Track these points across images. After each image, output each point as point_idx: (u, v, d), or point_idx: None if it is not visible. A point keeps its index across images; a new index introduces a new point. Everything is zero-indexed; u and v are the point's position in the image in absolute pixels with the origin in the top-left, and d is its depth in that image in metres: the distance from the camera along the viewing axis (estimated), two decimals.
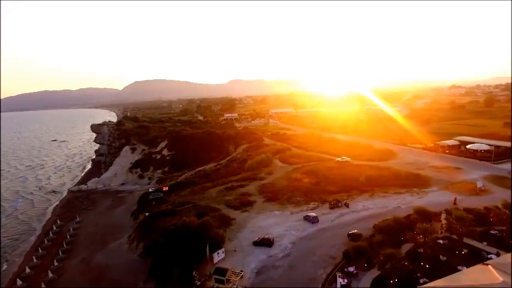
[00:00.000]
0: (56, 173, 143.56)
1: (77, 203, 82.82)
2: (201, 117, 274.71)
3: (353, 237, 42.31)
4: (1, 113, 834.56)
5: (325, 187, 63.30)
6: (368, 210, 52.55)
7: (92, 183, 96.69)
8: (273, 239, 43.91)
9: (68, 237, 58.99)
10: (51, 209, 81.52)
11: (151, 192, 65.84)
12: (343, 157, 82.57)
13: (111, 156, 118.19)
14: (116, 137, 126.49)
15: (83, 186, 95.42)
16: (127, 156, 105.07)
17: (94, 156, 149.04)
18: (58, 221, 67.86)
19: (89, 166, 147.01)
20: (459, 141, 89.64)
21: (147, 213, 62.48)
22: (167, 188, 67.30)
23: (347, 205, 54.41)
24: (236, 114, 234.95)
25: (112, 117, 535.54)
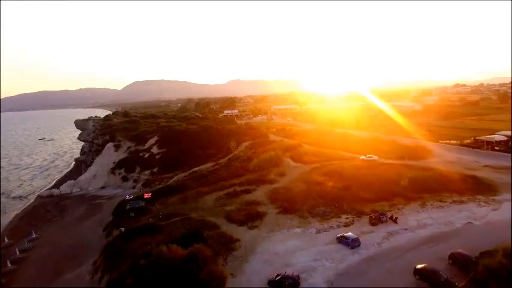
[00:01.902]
0: (42, 173, 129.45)
1: (42, 212, 67.41)
2: (199, 115, 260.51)
3: (425, 276, 27.26)
4: (1, 113, 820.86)
5: (358, 193, 48.15)
6: (426, 227, 37.57)
7: (66, 187, 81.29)
8: (298, 277, 28.87)
9: (9, 264, 43.55)
10: (7, 221, 65.88)
11: (129, 200, 50.67)
12: (369, 155, 67.45)
13: (93, 154, 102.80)
14: (99, 133, 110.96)
15: (55, 191, 79.96)
16: (110, 155, 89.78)
17: (79, 156, 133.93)
18: (6, 240, 52.56)
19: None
20: (507, 136, 74.61)
21: (122, 229, 47.60)
22: (150, 194, 52.12)
23: (395, 220, 39.33)
24: (236, 111, 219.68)
25: None
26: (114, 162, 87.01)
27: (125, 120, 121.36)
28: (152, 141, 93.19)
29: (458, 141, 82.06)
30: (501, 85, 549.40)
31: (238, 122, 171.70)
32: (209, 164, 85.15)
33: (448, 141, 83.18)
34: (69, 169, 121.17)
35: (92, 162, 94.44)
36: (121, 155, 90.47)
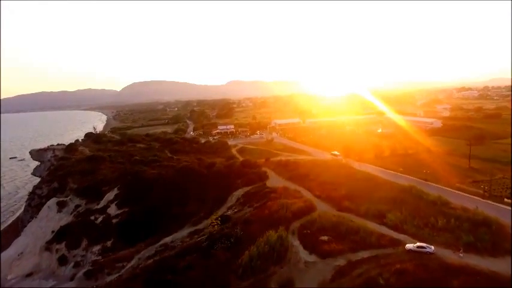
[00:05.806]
0: (7, 219, 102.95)
1: None
2: (192, 126, 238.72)
3: None
4: (0, 116, 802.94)
5: None
6: None
7: None
8: None
9: None
10: None
11: None
12: (422, 244, 43.73)
13: (32, 211, 78.25)
14: (46, 178, 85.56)
15: None
16: (49, 218, 66.04)
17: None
18: None
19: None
20: None
21: None
22: None
23: None
24: (232, 126, 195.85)
25: (101, 121, 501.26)
26: (53, 231, 62.87)
27: (85, 156, 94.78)
28: (110, 195, 69.12)
29: None
30: (507, 88, 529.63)
31: (233, 142, 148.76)
32: (185, 231, 61.95)
33: None
34: (14, 216, 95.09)
35: (28, 223, 70.51)
36: (65, 218, 66.23)
